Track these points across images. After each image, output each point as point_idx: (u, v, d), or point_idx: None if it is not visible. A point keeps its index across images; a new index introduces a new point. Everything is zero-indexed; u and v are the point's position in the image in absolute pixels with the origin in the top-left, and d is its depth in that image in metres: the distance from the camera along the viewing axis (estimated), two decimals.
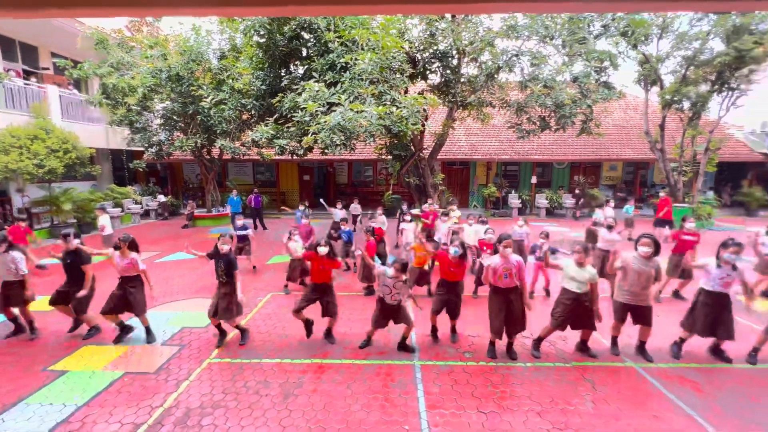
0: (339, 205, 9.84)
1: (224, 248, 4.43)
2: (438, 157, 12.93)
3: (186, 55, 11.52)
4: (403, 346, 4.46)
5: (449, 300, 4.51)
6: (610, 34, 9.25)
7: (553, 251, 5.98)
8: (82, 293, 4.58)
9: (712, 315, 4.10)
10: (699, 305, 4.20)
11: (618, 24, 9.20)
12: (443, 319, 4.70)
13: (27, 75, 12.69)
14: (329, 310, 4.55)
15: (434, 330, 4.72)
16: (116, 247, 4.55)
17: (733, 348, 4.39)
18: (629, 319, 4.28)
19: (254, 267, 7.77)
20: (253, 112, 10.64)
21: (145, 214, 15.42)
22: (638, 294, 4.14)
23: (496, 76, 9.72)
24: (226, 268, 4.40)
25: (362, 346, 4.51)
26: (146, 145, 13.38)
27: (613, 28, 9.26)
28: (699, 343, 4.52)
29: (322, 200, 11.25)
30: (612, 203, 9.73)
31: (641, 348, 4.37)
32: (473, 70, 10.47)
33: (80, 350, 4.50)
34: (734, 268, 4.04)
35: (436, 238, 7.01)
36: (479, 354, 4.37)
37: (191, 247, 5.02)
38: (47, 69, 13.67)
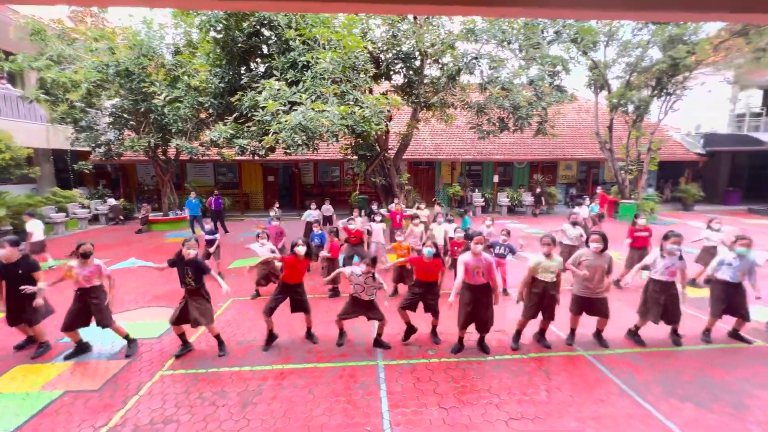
0: (313, 206, 9.60)
1: (190, 253, 4.19)
2: (404, 157, 13.06)
3: (136, 49, 10.85)
4: (379, 342, 4.51)
5: (426, 300, 4.54)
6: (561, 40, 9.78)
7: (512, 251, 6.20)
8: (38, 302, 4.18)
9: (662, 302, 4.44)
10: (650, 294, 4.54)
11: (569, 31, 9.74)
12: (426, 320, 4.76)
13: None
14: (301, 306, 4.51)
15: (409, 330, 4.66)
16: (83, 255, 4.14)
17: (663, 330, 4.78)
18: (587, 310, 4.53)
19: (220, 273, 7.46)
20: (211, 110, 10.22)
21: (94, 218, 14.37)
22: (594, 287, 4.39)
23: (457, 77, 9.98)
24: (195, 274, 4.18)
25: (339, 343, 4.55)
26: (93, 144, 12.46)
27: (564, 35, 9.79)
28: (643, 331, 4.87)
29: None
30: (588, 201, 10.11)
31: (598, 335, 4.65)
32: (436, 72, 10.68)
33: (12, 371, 4.10)
34: (680, 258, 4.39)
35: (411, 241, 7.05)
36: (443, 351, 4.45)
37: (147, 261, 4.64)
38: None
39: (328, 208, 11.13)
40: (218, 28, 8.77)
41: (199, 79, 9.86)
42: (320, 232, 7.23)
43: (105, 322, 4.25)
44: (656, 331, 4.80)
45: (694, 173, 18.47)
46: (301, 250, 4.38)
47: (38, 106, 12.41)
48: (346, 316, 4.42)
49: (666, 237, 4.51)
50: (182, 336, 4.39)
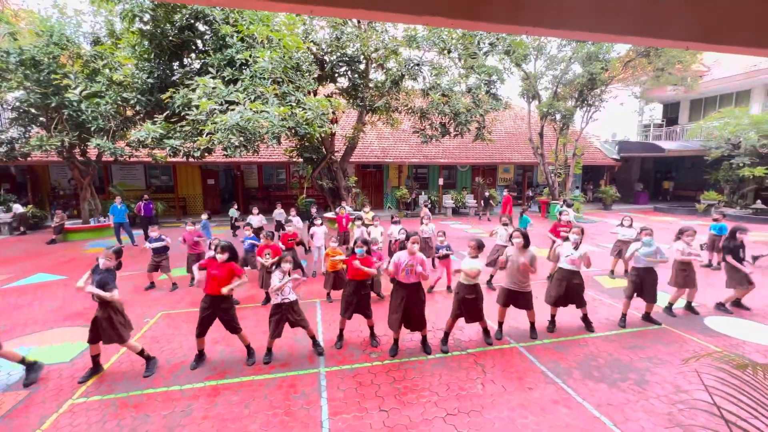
0: (255, 211, 9.21)
1: (106, 263, 3.82)
2: (351, 160, 13.04)
3: (45, 36, 9.62)
4: (316, 345, 4.53)
5: (359, 300, 4.54)
6: (496, 52, 10.41)
7: (449, 249, 6.49)
8: None
9: (565, 288, 4.95)
10: (555, 281, 5.07)
11: (503, 43, 10.42)
12: (361, 323, 4.74)
13: None
14: (229, 324, 4.18)
15: (341, 333, 4.70)
16: None
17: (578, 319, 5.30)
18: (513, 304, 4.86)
19: (174, 284, 6.83)
20: (138, 108, 9.34)
21: None
22: (519, 281, 4.72)
23: (400, 82, 10.18)
24: (99, 285, 3.77)
25: (266, 361, 4.30)
26: None
27: (499, 47, 10.44)
28: (565, 320, 5.33)
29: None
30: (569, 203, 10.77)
31: (532, 328, 5.00)
32: (380, 76, 10.81)
33: None
34: (576, 247, 4.89)
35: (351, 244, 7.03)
36: (386, 353, 4.49)
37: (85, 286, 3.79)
38: None
39: (279, 213, 10.72)
40: (145, 19, 8.07)
41: (124, 73, 8.97)
42: (251, 236, 6.99)
43: None
44: (574, 319, 5.29)
45: (611, 176, 20.73)
46: (222, 257, 4.08)
47: None
48: (276, 333, 4.23)
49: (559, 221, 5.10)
50: (95, 357, 3.95)
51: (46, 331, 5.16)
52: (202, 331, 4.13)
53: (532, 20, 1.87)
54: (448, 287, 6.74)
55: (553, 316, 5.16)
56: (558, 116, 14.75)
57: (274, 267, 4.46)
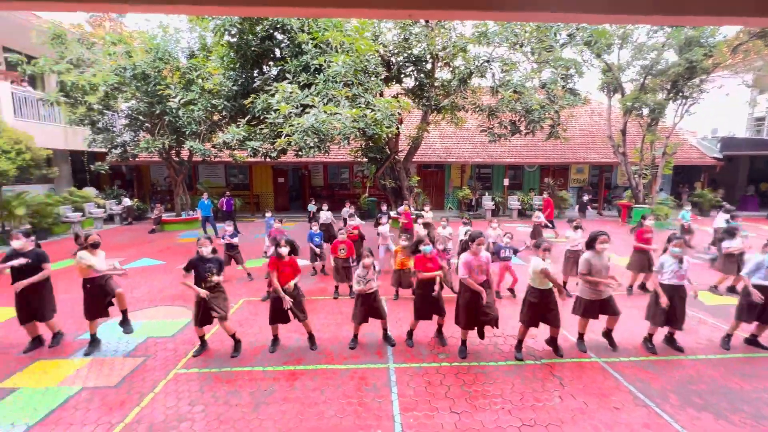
0: (325, 207, 9.60)
1: (205, 251, 4.24)
2: (413, 159, 13.05)
3: (152, 53, 11.09)
4: (387, 338, 4.69)
5: (430, 300, 4.53)
6: (575, 43, 9.68)
7: (515, 252, 6.19)
8: (18, 286, 4.19)
9: (670, 305, 4.34)
10: (656, 297, 4.46)
11: (582, 34, 9.65)
12: (431, 322, 4.77)
13: None
14: (294, 312, 4.43)
15: (411, 333, 4.72)
16: (93, 245, 4.32)
17: (682, 339, 4.70)
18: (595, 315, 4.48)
19: (249, 274, 7.44)
20: (224, 113, 10.35)
21: (109, 218, 14.67)
22: (604, 289, 4.33)
23: (468, 81, 9.94)
24: (219, 270, 4.29)
25: (352, 346, 4.58)
26: (109, 146, 12.73)
27: (578, 38, 9.69)
28: (657, 337, 4.78)
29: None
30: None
31: (608, 335, 4.59)
32: (447, 75, 10.67)
33: (33, 365, 4.21)
34: (681, 261, 4.31)
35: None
36: (454, 355, 4.43)
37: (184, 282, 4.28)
38: None
39: (347, 210, 10.73)
40: (232, 32, 8.90)
41: (213, 82, 10.01)
42: (319, 232, 7.31)
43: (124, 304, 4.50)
44: (659, 336, 4.70)
45: (710, 178, 18.08)
46: (284, 251, 4.30)
47: (57, 108, 12.75)
48: (359, 319, 4.48)
49: (669, 240, 4.47)
50: (203, 337, 4.45)
51: (153, 308, 5.95)
52: (275, 319, 4.42)
53: (531, 5, 1.69)
54: (511, 290, 6.44)
55: (651, 335, 4.62)
56: (645, 111, 13.23)
57: (352, 261, 4.68)
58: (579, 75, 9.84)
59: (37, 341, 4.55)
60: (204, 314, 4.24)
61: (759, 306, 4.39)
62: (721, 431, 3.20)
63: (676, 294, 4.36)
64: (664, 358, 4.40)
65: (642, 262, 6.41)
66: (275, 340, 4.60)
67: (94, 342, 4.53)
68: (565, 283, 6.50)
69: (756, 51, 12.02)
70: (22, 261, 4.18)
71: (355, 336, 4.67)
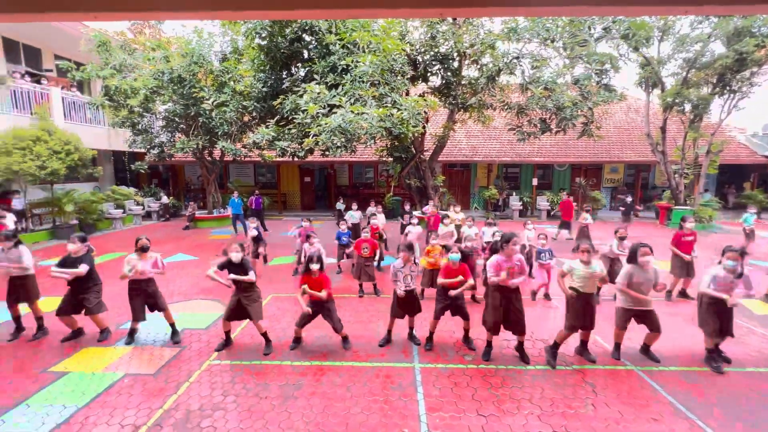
0: (354, 206, 9.66)
1: (235, 257, 4.31)
2: (439, 159, 12.94)
3: (188, 57, 11.58)
4: (412, 337, 4.72)
5: (454, 304, 4.48)
6: (611, 37, 9.26)
7: (552, 255, 5.99)
8: (57, 272, 4.48)
9: (720, 317, 4.08)
10: (705, 307, 4.19)
11: (619, 27, 9.22)
12: (453, 324, 4.72)
13: (30, 77, 12.74)
14: (330, 321, 4.46)
15: (431, 336, 4.65)
16: (144, 249, 4.52)
17: (731, 351, 4.40)
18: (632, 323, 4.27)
19: (265, 257, 7.81)
20: (254, 113, 10.67)
21: (147, 215, 15.47)
22: (646, 300, 4.13)
23: (496, 78, 9.74)
24: (245, 273, 4.34)
25: (382, 344, 4.62)
26: (148, 146, 13.42)
27: (614, 31, 9.27)
28: (700, 347, 4.51)
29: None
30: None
31: (646, 350, 4.37)
32: (474, 73, 10.50)
33: (80, 352, 4.51)
34: (740, 275, 4.02)
35: (446, 241, 7.02)
36: (480, 357, 4.36)
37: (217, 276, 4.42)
38: (50, 71, 13.76)
39: (372, 209, 10.39)
40: (263, 35, 9.15)
41: (244, 84, 10.35)
42: (347, 231, 7.39)
43: (162, 306, 4.66)
44: (698, 344, 4.41)
45: (760, 178, 16.81)
46: (315, 266, 4.29)
47: (101, 111, 13.58)
48: (395, 316, 4.55)
49: (723, 252, 4.19)
50: (228, 332, 4.60)
51: (187, 302, 6.23)
52: (303, 324, 4.48)
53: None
54: (546, 295, 6.26)
55: (711, 350, 4.26)
56: (688, 106, 12.47)
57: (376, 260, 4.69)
58: (615, 70, 9.42)
59: (77, 332, 4.84)
60: (233, 311, 4.37)
61: None
62: None
63: (723, 304, 4.07)
64: (707, 369, 4.14)
65: (683, 266, 6.06)
66: (298, 339, 4.62)
67: (131, 334, 4.75)
68: (598, 289, 6.22)
69: None
70: (81, 271, 4.47)
71: (389, 333, 4.69)
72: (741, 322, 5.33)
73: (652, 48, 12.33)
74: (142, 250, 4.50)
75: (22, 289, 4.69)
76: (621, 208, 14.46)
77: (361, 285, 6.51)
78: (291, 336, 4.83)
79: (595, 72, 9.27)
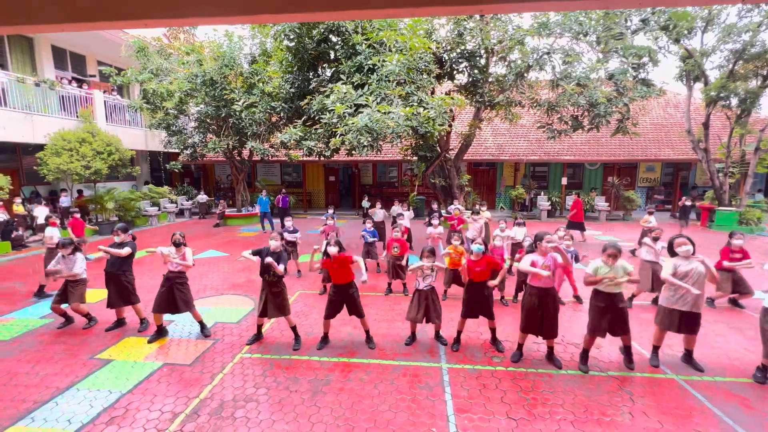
0: (378, 205, 9.66)
1: (274, 244, 4.41)
2: (464, 157, 12.77)
3: (219, 60, 11.99)
4: (438, 337, 4.70)
5: (479, 300, 4.43)
6: (649, 29, 8.82)
7: (576, 257, 5.78)
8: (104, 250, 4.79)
9: None
10: (761, 323, 3.90)
11: (658, 18, 8.76)
12: (480, 325, 4.67)
13: (76, 82, 13.59)
14: (354, 310, 4.52)
15: (459, 336, 4.61)
16: (177, 244, 4.68)
17: None
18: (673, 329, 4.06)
19: (299, 271, 7.72)
20: (282, 114, 10.91)
21: (180, 212, 16.15)
22: (695, 299, 3.91)
23: (525, 75, 9.49)
24: (278, 261, 4.39)
25: (408, 342, 4.65)
26: (182, 147, 14.01)
27: (653, 23, 8.82)
28: (749, 358, 4.23)
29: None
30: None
31: (688, 357, 4.16)
32: (502, 70, 10.28)
33: (123, 341, 4.78)
34: None
35: (470, 235, 6.96)
36: (509, 359, 4.28)
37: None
38: (93, 76, 14.63)
39: (396, 208, 10.50)
40: (291, 37, 9.34)
41: (273, 85, 10.60)
42: (372, 229, 7.41)
43: (188, 307, 4.74)
44: (747, 354, 4.12)
45: None
46: (333, 250, 4.31)
47: (139, 114, 14.31)
48: (419, 318, 4.47)
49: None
50: (260, 327, 4.74)
51: (219, 296, 6.46)
52: (330, 313, 4.50)
53: None
54: (576, 296, 6.05)
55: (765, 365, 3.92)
56: (734, 101, 11.69)
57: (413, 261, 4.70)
58: (654, 63, 8.96)
59: (120, 322, 5.15)
60: (265, 306, 4.48)
61: None
62: None
63: None
64: (753, 381, 3.88)
65: (728, 280, 5.64)
66: (325, 337, 4.62)
67: (159, 331, 4.81)
68: (633, 295, 5.95)
69: None
70: (124, 252, 4.81)
71: (413, 333, 4.70)
72: None
73: (695, 39, 11.65)
74: (176, 245, 4.69)
75: (71, 292, 4.96)
76: (679, 211, 13.26)
77: (389, 283, 6.54)
78: (319, 332, 4.90)
79: (632, 66, 8.86)
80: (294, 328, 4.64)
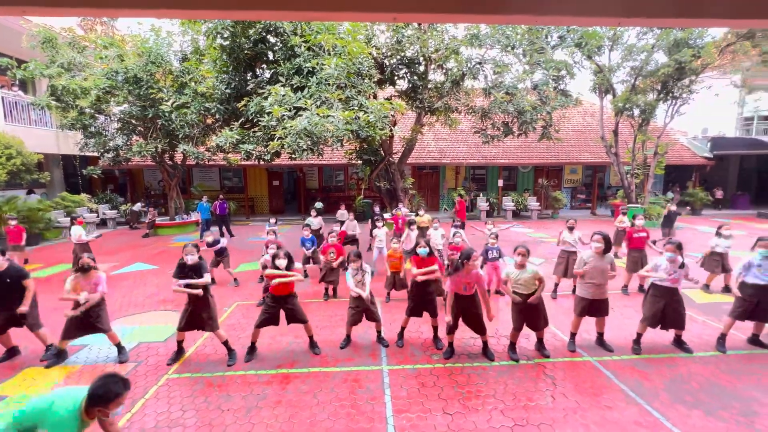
0: (314, 213, 9.48)
1: (190, 259, 4.15)
2: (408, 161, 13.09)
3: (145, 56, 11.03)
4: (380, 339, 4.75)
5: (425, 299, 4.57)
6: (566, 45, 9.77)
7: (500, 254, 6.20)
8: (24, 309, 4.21)
9: (664, 308, 4.38)
10: (649, 299, 4.50)
11: (573, 35, 9.75)
12: (422, 325, 4.79)
13: None
14: (295, 317, 4.42)
15: (402, 332, 4.75)
16: (85, 269, 4.15)
17: (671, 336, 4.74)
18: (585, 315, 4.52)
19: (235, 279, 7.29)
20: (217, 116, 10.32)
21: (102, 223, 14.53)
22: (599, 289, 4.37)
23: (461, 82, 10.00)
24: (199, 276, 4.16)
25: (343, 346, 4.63)
26: (101, 150, 12.63)
27: (569, 39, 9.80)
28: (649, 336, 4.83)
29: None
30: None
31: (600, 339, 4.63)
32: (440, 77, 10.73)
33: (22, 372, 4.16)
34: (681, 265, 4.35)
35: (408, 246, 7.07)
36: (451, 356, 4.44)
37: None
38: None
39: (342, 213, 10.51)
40: (225, 35, 8.89)
41: (206, 86, 9.99)
42: (311, 236, 7.28)
43: (105, 328, 4.28)
44: (663, 337, 4.75)
45: (701, 177, 18.29)
46: (282, 263, 4.24)
47: (48, 113, 12.65)
48: (354, 322, 4.51)
49: (665, 244, 4.54)
50: (180, 343, 4.41)
51: (145, 313, 5.90)
52: (263, 323, 4.30)
53: (543, 8, 1.76)
54: (497, 291, 6.41)
55: (639, 335, 4.62)
56: (636, 111, 13.37)
57: (344, 265, 4.69)
58: (570, 76, 9.94)
59: (12, 351, 4.46)
60: (187, 321, 4.18)
61: (751, 305, 4.44)
62: (710, 428, 3.24)
63: (668, 296, 4.39)
64: (657, 356, 4.44)
65: (637, 261, 6.47)
66: (252, 347, 4.42)
67: (59, 355, 4.31)
68: (556, 285, 6.53)
69: (743, 52, 12.21)
70: None
71: (347, 336, 4.70)
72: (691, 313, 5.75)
73: (604, 56, 13.16)
74: (83, 270, 4.17)
75: None
76: (664, 217, 12.08)
77: (326, 289, 6.48)
78: (257, 345, 4.69)
79: (552, 78, 9.74)
80: (226, 343, 4.38)
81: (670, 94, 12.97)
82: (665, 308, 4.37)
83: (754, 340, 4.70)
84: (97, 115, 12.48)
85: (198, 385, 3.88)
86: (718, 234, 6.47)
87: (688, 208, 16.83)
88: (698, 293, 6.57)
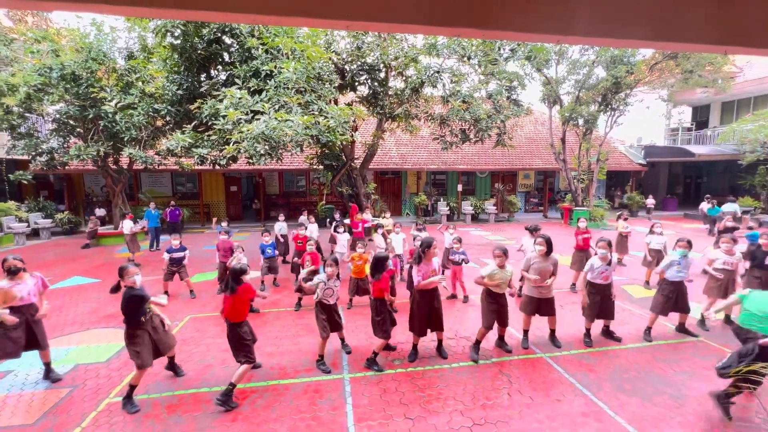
0: (281, 218, 9.12)
1: (138, 280, 3.64)
2: (370, 166, 13.16)
3: (84, 52, 10.20)
4: (344, 345, 4.71)
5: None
6: (517, 57, 10.34)
7: (464, 257, 6.38)
8: None
9: (599, 302, 4.77)
10: (589, 295, 4.85)
11: (524, 48, 10.35)
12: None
13: None
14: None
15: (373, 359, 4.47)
16: (12, 271, 3.75)
17: (615, 330, 5.13)
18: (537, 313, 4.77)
19: (192, 291, 6.84)
20: (168, 118, 9.76)
21: (34, 233, 13.14)
22: (543, 289, 4.63)
23: (420, 90, 10.24)
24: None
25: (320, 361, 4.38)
26: (33, 153, 11.47)
27: (519, 52, 10.38)
28: (595, 330, 5.18)
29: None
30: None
31: (552, 336, 4.90)
32: (400, 84, 10.92)
33: None
34: (609, 263, 4.74)
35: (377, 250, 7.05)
36: (407, 360, 4.47)
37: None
38: None
39: (304, 218, 10.11)
40: (176, 34, 8.46)
41: (155, 86, 9.42)
42: (271, 242, 6.99)
43: (43, 344, 3.91)
44: (599, 329, 5.12)
45: (637, 182, 20.06)
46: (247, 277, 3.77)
47: None
48: (326, 331, 4.27)
49: (597, 242, 4.93)
50: (172, 362, 4.17)
51: (84, 332, 5.40)
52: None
53: (546, 27, 1.89)
54: (465, 297, 6.51)
55: (588, 330, 4.97)
56: (581, 121, 14.45)
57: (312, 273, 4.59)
58: (522, 87, 10.53)
59: None
60: (155, 348, 3.76)
61: (672, 298, 4.92)
62: (646, 413, 3.53)
63: (601, 292, 4.77)
64: (601, 350, 4.77)
65: (582, 260, 6.93)
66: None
67: None
68: (521, 287, 6.80)
69: (669, 70, 13.62)
70: None
71: (342, 341, 4.71)
72: (622, 304, 6.26)
73: (552, 69, 14.10)
74: (11, 272, 3.78)
75: None
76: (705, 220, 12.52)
77: (300, 299, 6.26)
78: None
79: (505, 88, 10.27)
80: (172, 358, 4.12)
81: (609, 106, 14.15)
82: (601, 302, 4.77)
83: (681, 329, 5.20)
84: (27, 114, 11.33)
85: (144, 407, 3.60)
86: (651, 232, 7.14)
87: (627, 211, 18.36)
88: (637, 288, 7.17)
